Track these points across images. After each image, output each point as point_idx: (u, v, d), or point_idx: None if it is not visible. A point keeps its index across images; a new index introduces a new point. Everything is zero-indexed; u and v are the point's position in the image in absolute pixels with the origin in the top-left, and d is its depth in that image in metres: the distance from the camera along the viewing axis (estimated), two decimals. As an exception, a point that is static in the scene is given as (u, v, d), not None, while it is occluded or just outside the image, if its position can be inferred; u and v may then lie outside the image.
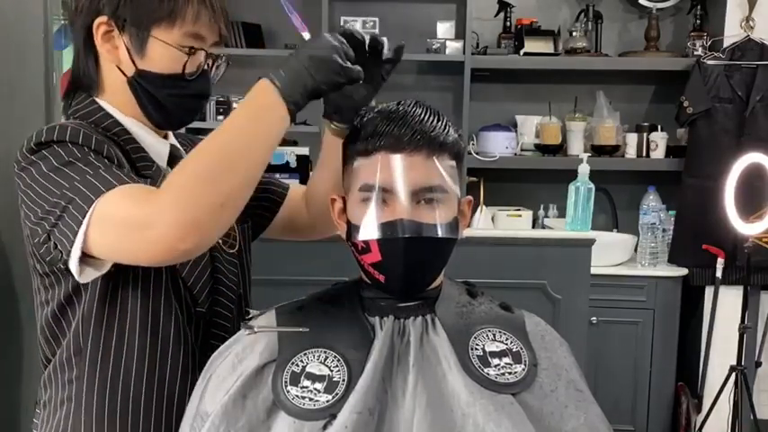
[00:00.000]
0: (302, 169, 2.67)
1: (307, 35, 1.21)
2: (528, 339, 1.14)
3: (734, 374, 3.00)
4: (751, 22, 3.35)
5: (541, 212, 3.71)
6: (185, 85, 1.19)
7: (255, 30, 3.66)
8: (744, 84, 3.35)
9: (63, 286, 1.15)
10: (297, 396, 1.03)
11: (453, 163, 1.12)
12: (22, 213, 1.12)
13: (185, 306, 1.21)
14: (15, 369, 1.49)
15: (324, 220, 1.38)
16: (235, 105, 3.65)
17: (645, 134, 3.60)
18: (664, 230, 3.49)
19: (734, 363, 3.01)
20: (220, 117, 3.64)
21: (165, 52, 1.16)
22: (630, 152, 3.61)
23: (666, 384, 3.40)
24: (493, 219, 3.51)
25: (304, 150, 2.62)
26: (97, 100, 1.20)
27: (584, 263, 2.01)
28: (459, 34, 3.59)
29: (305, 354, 1.08)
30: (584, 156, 2.24)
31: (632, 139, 3.60)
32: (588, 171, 2.15)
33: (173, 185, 1.01)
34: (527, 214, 3.61)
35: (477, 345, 1.10)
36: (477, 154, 3.56)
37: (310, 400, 1.03)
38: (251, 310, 1.17)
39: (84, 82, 1.22)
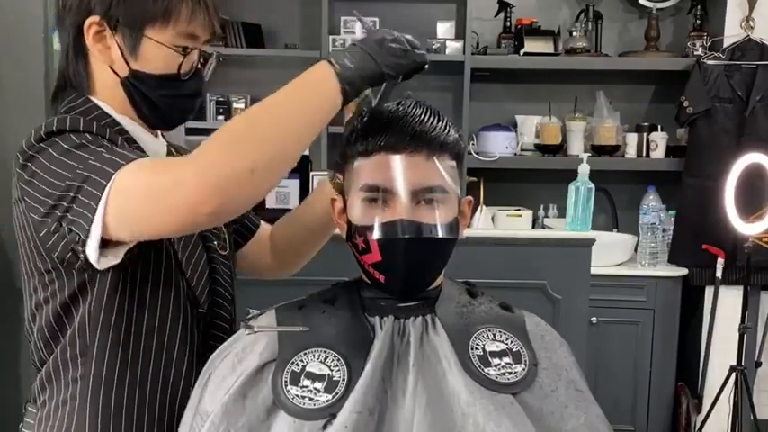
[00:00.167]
0: (302, 170, 2.67)
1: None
2: (528, 339, 1.14)
3: (734, 374, 3.00)
4: (751, 22, 3.35)
5: (541, 212, 3.71)
6: (180, 85, 1.17)
7: (255, 30, 3.66)
8: (744, 84, 3.35)
9: (67, 283, 1.12)
10: (297, 395, 1.04)
11: (453, 163, 1.12)
12: (22, 207, 1.08)
13: (190, 306, 1.21)
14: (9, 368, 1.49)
15: (286, 264, 1.47)
16: (235, 105, 3.66)
17: (645, 134, 3.60)
18: (664, 230, 3.49)
19: (734, 363, 3.01)
20: (220, 117, 3.64)
21: (159, 52, 1.14)
22: (630, 152, 3.61)
23: (666, 384, 3.40)
24: (493, 219, 3.51)
25: (304, 151, 2.62)
26: (91, 99, 1.18)
27: (584, 263, 2.01)
28: (459, 34, 3.59)
29: (305, 353, 1.08)
30: (584, 156, 2.23)
31: (632, 139, 3.60)
32: (588, 171, 2.15)
33: (202, 148, 0.97)
34: (527, 214, 3.60)
35: (477, 344, 1.10)
36: (477, 154, 3.56)
37: (310, 399, 1.03)
38: (251, 310, 1.17)
39: (73, 82, 1.19)
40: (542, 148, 3.64)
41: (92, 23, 1.13)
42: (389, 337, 1.09)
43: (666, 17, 3.72)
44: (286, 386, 1.05)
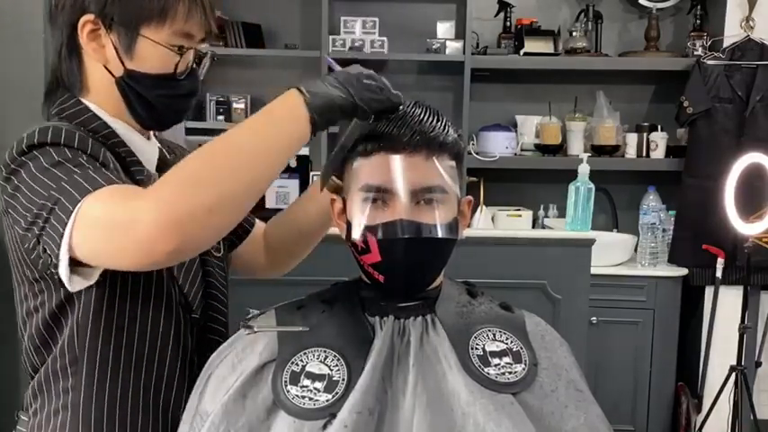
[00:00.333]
0: (302, 170, 2.67)
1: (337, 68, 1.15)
2: (528, 339, 1.14)
3: (734, 374, 3.00)
4: (751, 22, 3.35)
5: (541, 212, 3.71)
6: (176, 84, 1.16)
7: (255, 30, 3.66)
8: (744, 84, 3.35)
9: (55, 293, 1.10)
10: (297, 395, 1.03)
11: (453, 163, 1.12)
12: (9, 218, 1.07)
13: (182, 312, 1.20)
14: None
15: (279, 263, 1.45)
16: (235, 105, 3.65)
17: (645, 134, 3.60)
18: (664, 230, 3.49)
19: (734, 363, 3.01)
20: (220, 117, 3.64)
21: (154, 51, 1.12)
22: (630, 152, 3.61)
23: (666, 384, 3.40)
24: (493, 219, 3.51)
25: (304, 150, 2.62)
26: (82, 100, 1.15)
27: (585, 263, 2.01)
28: (460, 34, 3.59)
29: (305, 353, 1.08)
30: (584, 156, 2.23)
31: (632, 139, 3.60)
32: (588, 171, 2.14)
33: (161, 183, 0.96)
34: (527, 214, 3.60)
35: (477, 344, 1.10)
36: (477, 154, 3.56)
37: (310, 399, 1.03)
38: (251, 310, 1.17)
39: (66, 81, 1.16)
40: (542, 148, 3.64)
41: (86, 22, 1.11)
42: (389, 337, 1.09)
43: (666, 17, 3.72)
44: (286, 386, 1.05)
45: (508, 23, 3.66)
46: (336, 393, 1.03)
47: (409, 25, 3.66)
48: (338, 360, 1.07)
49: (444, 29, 3.61)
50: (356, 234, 1.09)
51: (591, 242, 2.03)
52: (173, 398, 1.19)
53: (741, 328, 3.01)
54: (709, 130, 3.39)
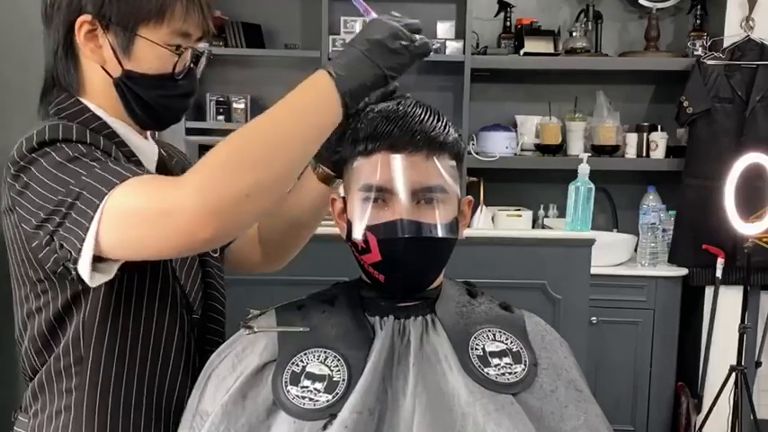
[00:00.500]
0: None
1: (372, 15, 1.11)
2: (528, 339, 1.14)
3: (734, 374, 3.00)
4: (751, 22, 3.35)
5: (541, 212, 3.71)
6: (174, 85, 1.15)
7: (255, 30, 3.66)
8: (744, 84, 3.35)
9: (60, 294, 1.09)
10: (297, 396, 1.03)
11: (453, 163, 1.12)
12: (13, 217, 1.05)
13: (186, 313, 1.20)
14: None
15: (273, 258, 1.42)
16: (235, 105, 3.65)
17: (645, 134, 3.60)
18: (664, 230, 3.49)
19: (734, 363, 3.01)
20: (220, 117, 3.63)
21: (152, 52, 1.11)
22: (630, 152, 3.61)
23: (666, 384, 3.40)
24: (493, 219, 3.51)
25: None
26: (81, 100, 1.14)
27: (584, 263, 2.01)
28: (459, 34, 3.59)
29: (305, 353, 1.08)
30: (585, 156, 2.23)
31: (632, 139, 3.60)
32: (588, 171, 2.14)
33: (198, 170, 0.95)
34: (527, 214, 3.60)
35: (477, 345, 1.10)
36: (477, 154, 3.56)
37: (310, 399, 1.03)
38: (251, 310, 1.17)
39: (62, 81, 1.15)
40: (542, 148, 3.64)
41: (83, 22, 1.10)
42: (389, 337, 1.09)
43: (666, 17, 3.72)
44: (286, 386, 1.04)
45: (508, 23, 3.66)
46: (337, 394, 1.03)
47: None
48: (338, 360, 1.07)
49: (444, 29, 3.61)
50: (356, 234, 1.09)
51: (591, 242, 2.03)
52: (175, 397, 1.18)
53: (741, 328, 3.01)
54: (709, 130, 3.39)
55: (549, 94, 3.66)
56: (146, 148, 1.19)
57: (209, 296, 1.25)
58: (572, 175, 2.16)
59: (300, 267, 1.47)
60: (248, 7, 3.69)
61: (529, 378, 1.08)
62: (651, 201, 3.63)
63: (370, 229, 1.08)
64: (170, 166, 1.25)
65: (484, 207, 3.50)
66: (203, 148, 3.49)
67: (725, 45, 3.38)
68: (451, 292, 1.18)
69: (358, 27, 3.54)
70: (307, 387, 1.04)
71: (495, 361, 1.08)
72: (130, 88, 1.13)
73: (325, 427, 1.01)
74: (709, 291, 3.42)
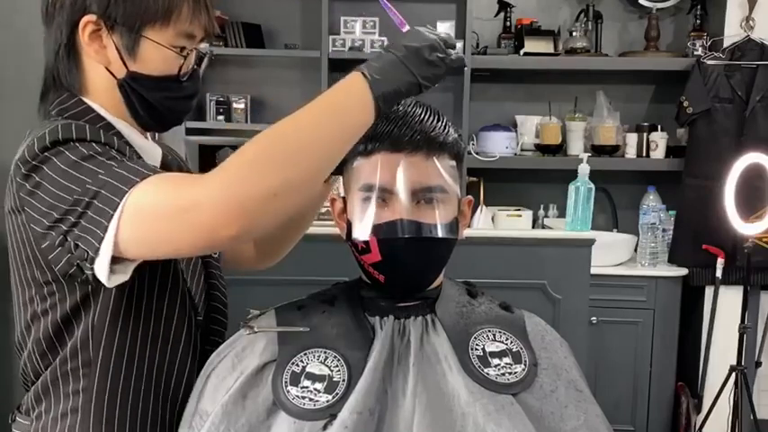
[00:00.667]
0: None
1: (407, 28, 1.11)
2: (528, 339, 1.14)
3: (734, 374, 3.00)
4: (751, 22, 3.35)
5: (541, 212, 3.70)
6: (179, 86, 1.14)
7: (255, 30, 3.66)
8: (744, 84, 3.35)
9: (69, 295, 1.08)
10: (297, 396, 1.03)
11: (453, 163, 1.12)
12: (20, 217, 1.04)
13: (193, 314, 1.19)
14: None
15: (267, 253, 1.41)
16: (235, 105, 3.65)
17: (645, 134, 3.60)
18: (664, 230, 3.49)
19: (734, 363, 3.01)
20: (220, 117, 3.63)
21: (158, 53, 1.10)
22: (630, 152, 3.61)
23: (666, 384, 3.40)
24: (493, 219, 3.51)
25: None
26: (84, 100, 1.13)
27: (584, 263, 2.00)
28: (459, 34, 3.59)
29: (305, 354, 1.08)
30: (585, 156, 2.23)
31: (632, 139, 3.60)
32: (588, 171, 2.14)
33: (225, 168, 0.94)
34: (527, 214, 3.60)
35: (477, 345, 1.10)
36: (477, 154, 3.55)
37: (310, 400, 1.03)
38: (251, 310, 1.16)
39: (64, 81, 1.13)
40: (542, 148, 3.64)
41: (88, 22, 1.08)
42: (389, 337, 1.09)
43: (666, 17, 3.71)
44: (286, 387, 1.04)
45: (508, 23, 3.66)
46: (337, 394, 1.03)
47: (409, 25, 3.65)
48: (338, 361, 1.07)
49: (444, 29, 3.60)
50: (356, 234, 1.09)
51: (591, 242, 2.03)
52: (180, 397, 1.18)
53: (741, 328, 3.01)
54: (708, 130, 3.39)
55: (549, 94, 3.65)
56: (149, 148, 1.19)
57: (212, 297, 1.25)
58: (572, 175, 2.16)
59: (300, 267, 1.47)
60: (248, 7, 3.69)
61: (529, 378, 1.08)
62: (651, 201, 3.63)
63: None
64: (172, 166, 1.24)
65: (484, 207, 3.50)
66: (203, 149, 3.49)
67: (725, 45, 3.38)
68: (451, 292, 1.18)
69: (358, 27, 3.54)
70: (307, 387, 1.04)
71: (495, 361, 1.08)
72: (135, 89, 1.12)
73: (325, 427, 1.01)
74: (709, 291, 3.42)
